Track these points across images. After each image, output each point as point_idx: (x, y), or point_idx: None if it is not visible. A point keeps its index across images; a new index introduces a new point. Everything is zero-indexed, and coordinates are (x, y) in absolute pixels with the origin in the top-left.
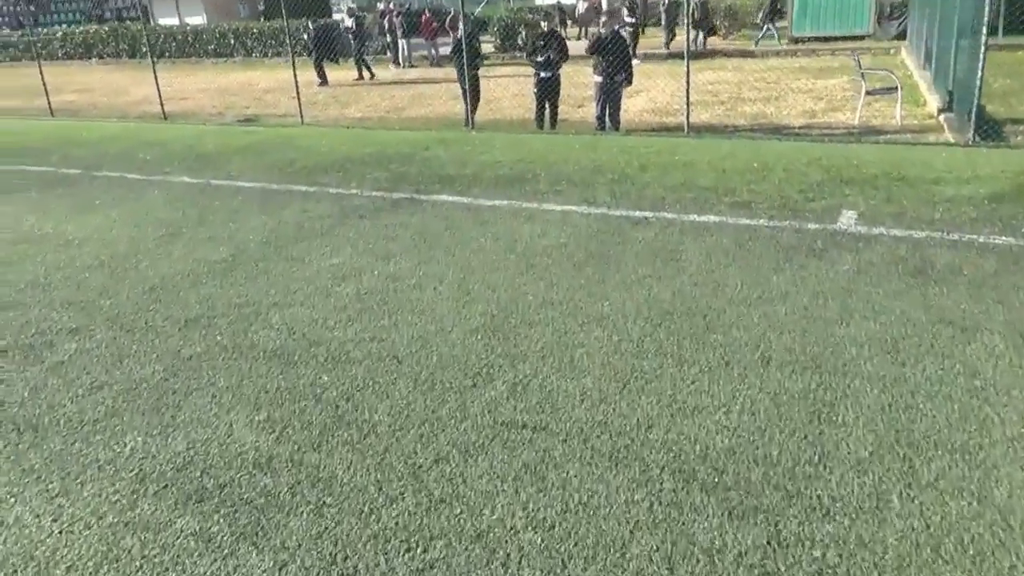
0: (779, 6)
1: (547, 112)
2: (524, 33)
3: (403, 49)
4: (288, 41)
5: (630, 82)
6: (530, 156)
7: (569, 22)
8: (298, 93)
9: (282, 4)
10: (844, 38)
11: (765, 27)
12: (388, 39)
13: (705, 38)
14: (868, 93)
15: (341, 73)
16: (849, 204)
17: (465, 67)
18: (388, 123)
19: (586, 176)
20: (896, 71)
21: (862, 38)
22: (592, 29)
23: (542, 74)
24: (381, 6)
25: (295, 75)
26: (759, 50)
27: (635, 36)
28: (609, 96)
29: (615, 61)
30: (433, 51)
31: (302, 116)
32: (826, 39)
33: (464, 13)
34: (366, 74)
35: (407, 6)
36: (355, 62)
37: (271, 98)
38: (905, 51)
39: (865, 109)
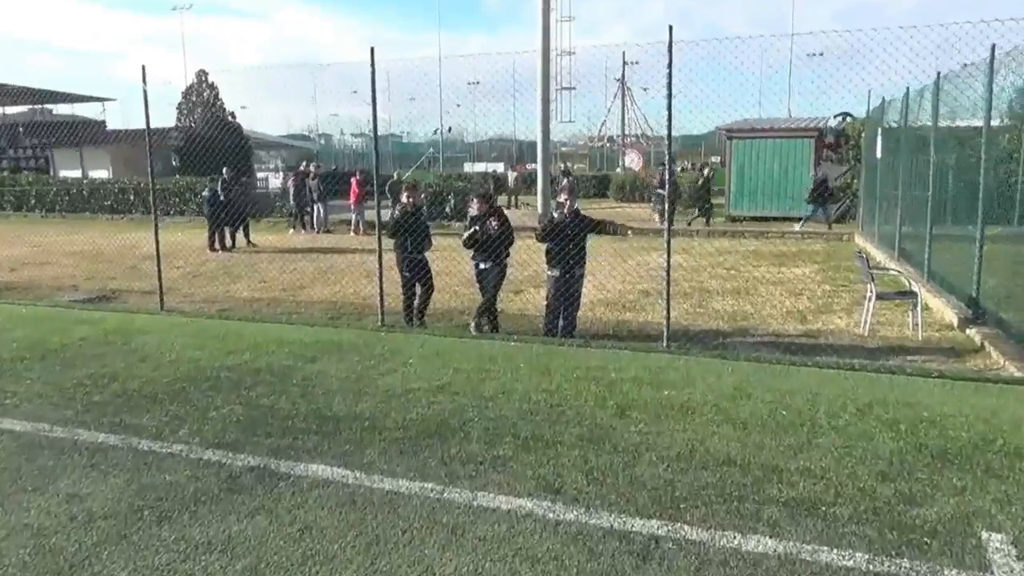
0: (828, 188)
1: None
2: (453, 202)
3: (319, 212)
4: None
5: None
6: (456, 382)
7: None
8: (159, 270)
9: (148, 165)
10: (780, 219)
11: (814, 209)
12: (293, 203)
13: (708, 219)
14: (879, 297)
15: (261, 236)
16: (979, 513)
17: (408, 250)
18: (280, 307)
19: (540, 428)
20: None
21: (799, 220)
22: (524, 199)
23: (482, 265)
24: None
25: (157, 242)
26: (703, 230)
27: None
28: (567, 295)
29: (576, 251)
30: (358, 218)
31: (162, 300)
32: (763, 219)
33: (415, 181)
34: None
35: (333, 168)
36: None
37: (149, 267)
38: (861, 239)
39: (867, 315)
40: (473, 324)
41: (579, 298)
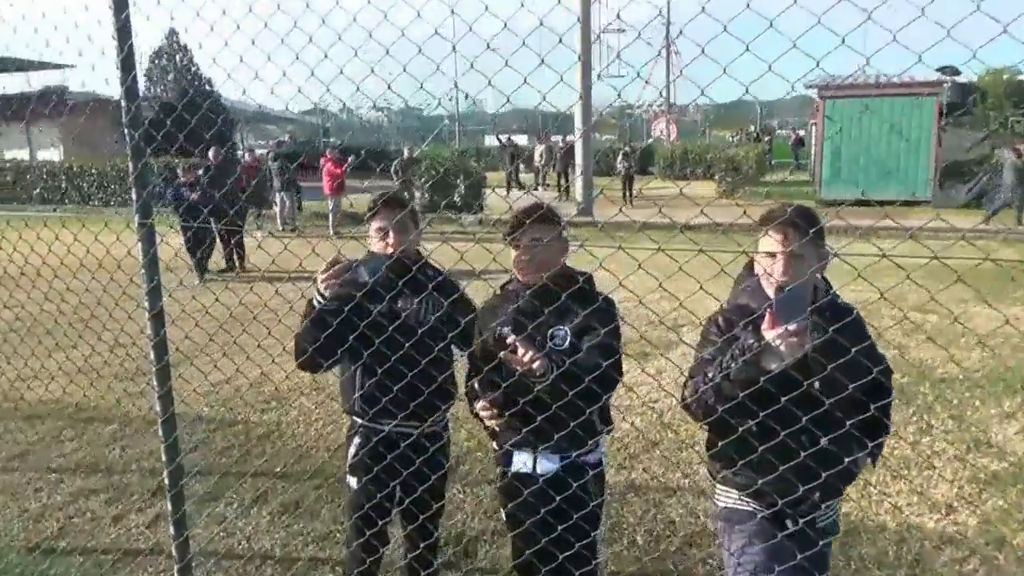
0: None
1: None
2: (462, 186)
3: (283, 204)
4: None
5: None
6: None
7: (522, 167)
8: None
9: None
10: (887, 203)
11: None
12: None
13: None
14: None
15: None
16: None
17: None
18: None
19: None
20: None
21: (915, 204)
22: (551, 171)
23: (520, 463)
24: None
25: None
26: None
27: (629, 181)
28: None
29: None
30: (335, 211)
31: None
32: (865, 203)
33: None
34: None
35: (283, 146)
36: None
37: None
38: None
39: None
40: None
41: None
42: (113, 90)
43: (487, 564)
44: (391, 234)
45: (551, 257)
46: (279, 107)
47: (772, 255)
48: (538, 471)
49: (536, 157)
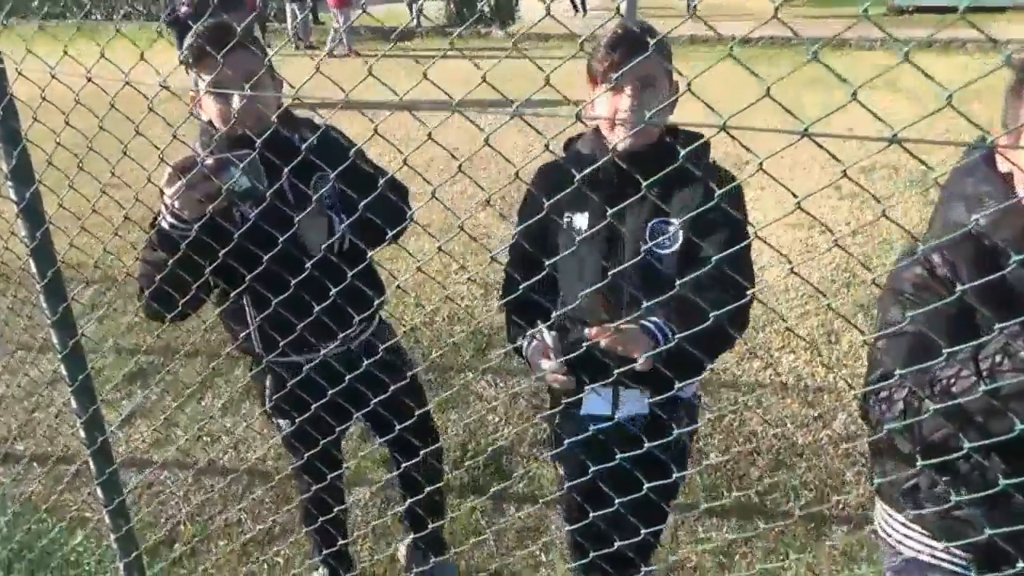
0: None
1: None
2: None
3: (294, 16)
4: None
5: None
6: None
7: None
8: None
9: None
10: (976, 9)
11: None
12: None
13: None
14: None
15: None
16: None
17: None
18: None
19: None
20: None
21: (1003, 10)
22: None
23: (597, 407)
24: None
25: None
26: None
27: None
28: None
29: None
30: (340, 29)
31: None
32: (944, 10)
33: None
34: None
35: None
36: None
37: None
38: None
39: None
40: None
41: None
42: None
43: (524, 488)
44: (235, 99)
45: (658, 113)
46: None
47: None
48: (619, 415)
49: None
